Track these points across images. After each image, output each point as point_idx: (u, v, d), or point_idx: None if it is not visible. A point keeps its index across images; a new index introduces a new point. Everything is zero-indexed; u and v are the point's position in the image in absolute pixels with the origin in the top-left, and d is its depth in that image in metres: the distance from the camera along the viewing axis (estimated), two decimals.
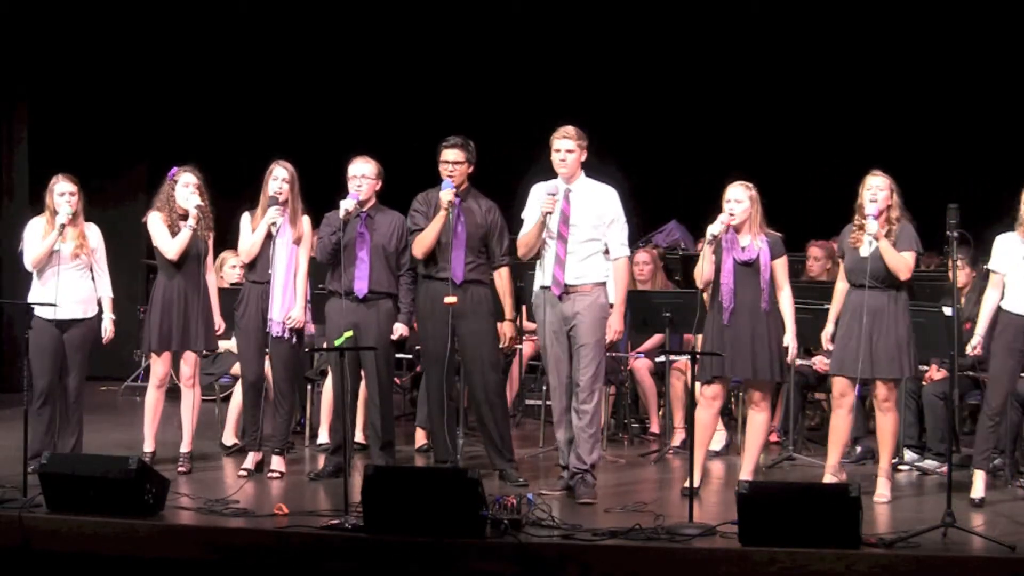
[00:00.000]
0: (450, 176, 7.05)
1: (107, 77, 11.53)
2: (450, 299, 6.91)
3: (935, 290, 8.35)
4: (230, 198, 7.53)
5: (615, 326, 6.70)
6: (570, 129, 6.71)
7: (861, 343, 6.60)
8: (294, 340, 7.20)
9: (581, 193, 6.72)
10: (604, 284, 6.73)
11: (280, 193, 7.13)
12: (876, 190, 6.64)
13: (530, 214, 6.77)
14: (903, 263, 6.61)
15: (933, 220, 6.71)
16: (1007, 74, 11.04)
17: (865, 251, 6.67)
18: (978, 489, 6.66)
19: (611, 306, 6.75)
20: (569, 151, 6.67)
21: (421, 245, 7.08)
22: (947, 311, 7.13)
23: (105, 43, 11.38)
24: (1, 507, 6.12)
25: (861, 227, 6.70)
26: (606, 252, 6.74)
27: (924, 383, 7.82)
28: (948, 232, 6.24)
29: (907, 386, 7.74)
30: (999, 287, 6.74)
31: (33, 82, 11.28)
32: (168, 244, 7.25)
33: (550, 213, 6.63)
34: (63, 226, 7.10)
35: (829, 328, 6.85)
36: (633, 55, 11.87)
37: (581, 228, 6.66)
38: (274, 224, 7.10)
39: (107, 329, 7.33)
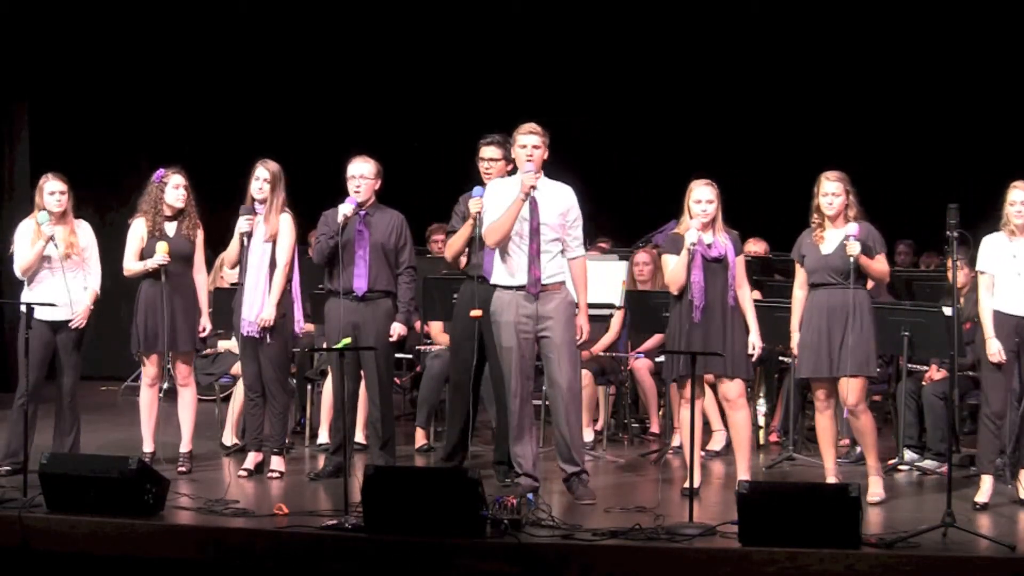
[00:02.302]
0: (486, 173, 7.03)
1: (107, 77, 11.53)
2: (475, 313, 6.87)
3: (935, 290, 8.35)
4: (230, 198, 7.52)
5: (585, 326, 6.70)
6: (535, 126, 6.68)
7: (833, 341, 6.57)
8: (273, 339, 7.10)
9: (544, 192, 6.67)
10: (565, 283, 6.70)
11: (261, 192, 7.12)
12: (832, 196, 6.64)
13: (492, 207, 6.65)
14: (885, 270, 6.70)
15: (933, 220, 6.70)
16: (1007, 74, 11.03)
17: (827, 249, 6.64)
18: (984, 493, 6.63)
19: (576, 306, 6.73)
20: (536, 147, 6.63)
21: (450, 250, 7.11)
22: (947, 311, 7.13)
23: (105, 43, 11.39)
24: (1, 507, 6.13)
25: (820, 225, 6.70)
26: (562, 251, 6.71)
27: (924, 383, 7.81)
28: (948, 232, 6.23)
29: (907, 386, 7.75)
30: (991, 288, 6.72)
31: (33, 82, 11.28)
32: (126, 261, 7.28)
33: (535, 188, 6.54)
34: (51, 237, 7.05)
35: (796, 336, 6.82)
36: (635, 55, 11.86)
37: (549, 226, 6.63)
38: (245, 234, 7.08)
39: (77, 314, 7.18)
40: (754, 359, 6.91)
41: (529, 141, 6.63)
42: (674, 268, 6.75)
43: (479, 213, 6.82)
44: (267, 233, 7.11)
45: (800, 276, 6.84)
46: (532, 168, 6.58)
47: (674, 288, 6.79)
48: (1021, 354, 6.65)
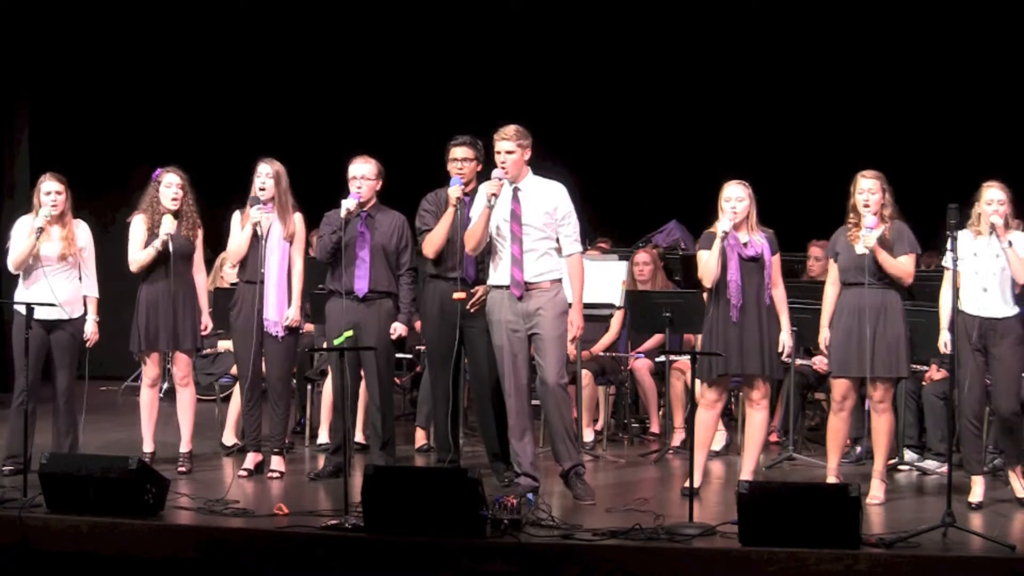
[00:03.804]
0: (459, 173, 7.05)
1: (108, 79, 11.53)
2: (458, 295, 6.90)
3: (935, 290, 8.33)
4: (230, 199, 7.52)
5: (577, 322, 6.69)
6: (509, 129, 6.68)
7: (866, 342, 6.58)
8: (285, 338, 7.16)
9: (530, 191, 6.69)
10: (560, 281, 6.71)
11: (263, 190, 7.12)
12: (868, 193, 6.64)
13: (476, 212, 6.73)
14: (904, 271, 6.63)
15: (933, 220, 6.70)
16: (1007, 74, 11.03)
17: (862, 248, 6.65)
18: (976, 494, 6.64)
19: (570, 304, 6.73)
20: (509, 152, 6.65)
21: (431, 244, 7.07)
22: None
23: (105, 45, 11.39)
24: (1, 507, 6.12)
25: (856, 225, 6.70)
26: (558, 249, 6.72)
27: (924, 383, 7.81)
28: (948, 232, 6.24)
29: (907, 386, 7.75)
30: (951, 284, 6.72)
31: (34, 84, 11.28)
32: (132, 254, 7.27)
33: (495, 195, 6.58)
34: (40, 229, 7.06)
35: (825, 333, 6.82)
36: (635, 55, 11.86)
37: (534, 226, 6.64)
38: (258, 224, 7.09)
39: (89, 331, 7.25)
40: (783, 357, 6.91)
41: (502, 147, 6.67)
42: (706, 260, 6.76)
43: (459, 199, 6.85)
44: (285, 232, 7.12)
45: (832, 273, 6.85)
46: (498, 175, 6.64)
47: (707, 281, 6.79)
48: (988, 354, 6.64)
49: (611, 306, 8.28)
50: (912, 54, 11.31)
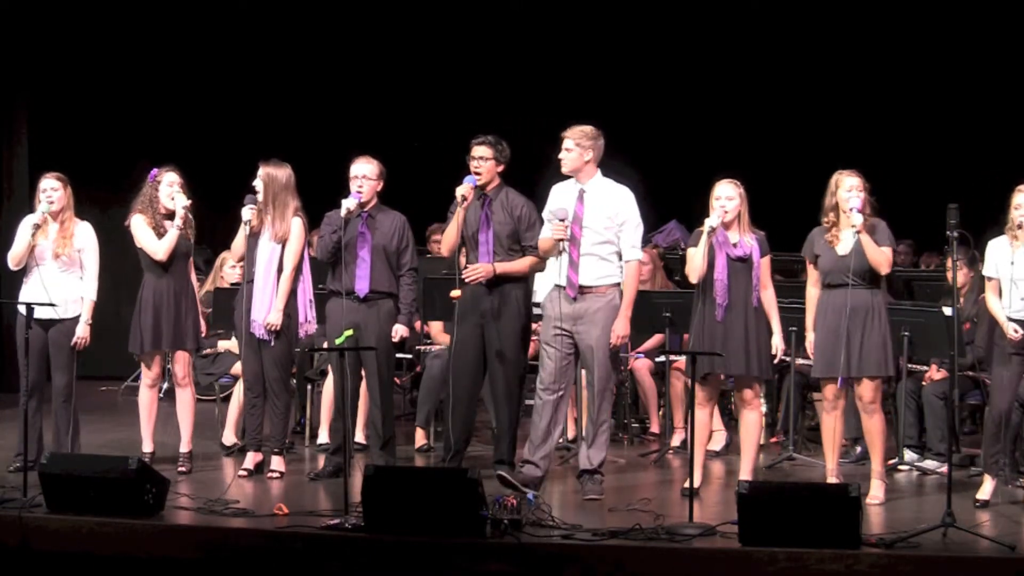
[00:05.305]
0: (476, 171, 7.04)
1: (107, 80, 11.53)
2: (455, 293, 6.90)
3: (935, 290, 8.36)
4: (230, 199, 7.52)
5: (619, 330, 6.65)
6: (575, 129, 6.72)
7: (852, 341, 6.56)
8: (277, 339, 7.08)
9: (594, 193, 6.71)
10: (618, 285, 6.71)
11: (257, 192, 7.11)
12: (856, 190, 6.63)
13: (549, 213, 6.76)
14: (884, 257, 6.60)
15: (933, 220, 6.70)
16: (1007, 74, 11.03)
17: (844, 249, 6.63)
18: (985, 491, 6.64)
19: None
20: (567, 149, 6.69)
21: (445, 243, 7.13)
22: (947, 311, 7.13)
23: (105, 46, 11.38)
24: (1, 507, 6.12)
25: (835, 224, 6.67)
26: (618, 254, 6.72)
27: (924, 383, 7.81)
28: (948, 232, 6.23)
29: (907, 386, 7.75)
30: (996, 292, 6.72)
31: (33, 85, 11.27)
32: (156, 245, 7.21)
33: (465, 198, 6.72)
34: (36, 225, 7.06)
35: (811, 336, 6.81)
36: (635, 55, 11.86)
37: (594, 229, 6.64)
38: (247, 222, 7.06)
39: (79, 333, 7.17)
40: (776, 360, 6.91)
41: (565, 144, 6.72)
42: (692, 255, 6.75)
43: (465, 197, 6.87)
44: (274, 235, 7.07)
45: (812, 275, 6.83)
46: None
47: (693, 277, 6.79)
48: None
49: None
50: (910, 54, 11.32)
